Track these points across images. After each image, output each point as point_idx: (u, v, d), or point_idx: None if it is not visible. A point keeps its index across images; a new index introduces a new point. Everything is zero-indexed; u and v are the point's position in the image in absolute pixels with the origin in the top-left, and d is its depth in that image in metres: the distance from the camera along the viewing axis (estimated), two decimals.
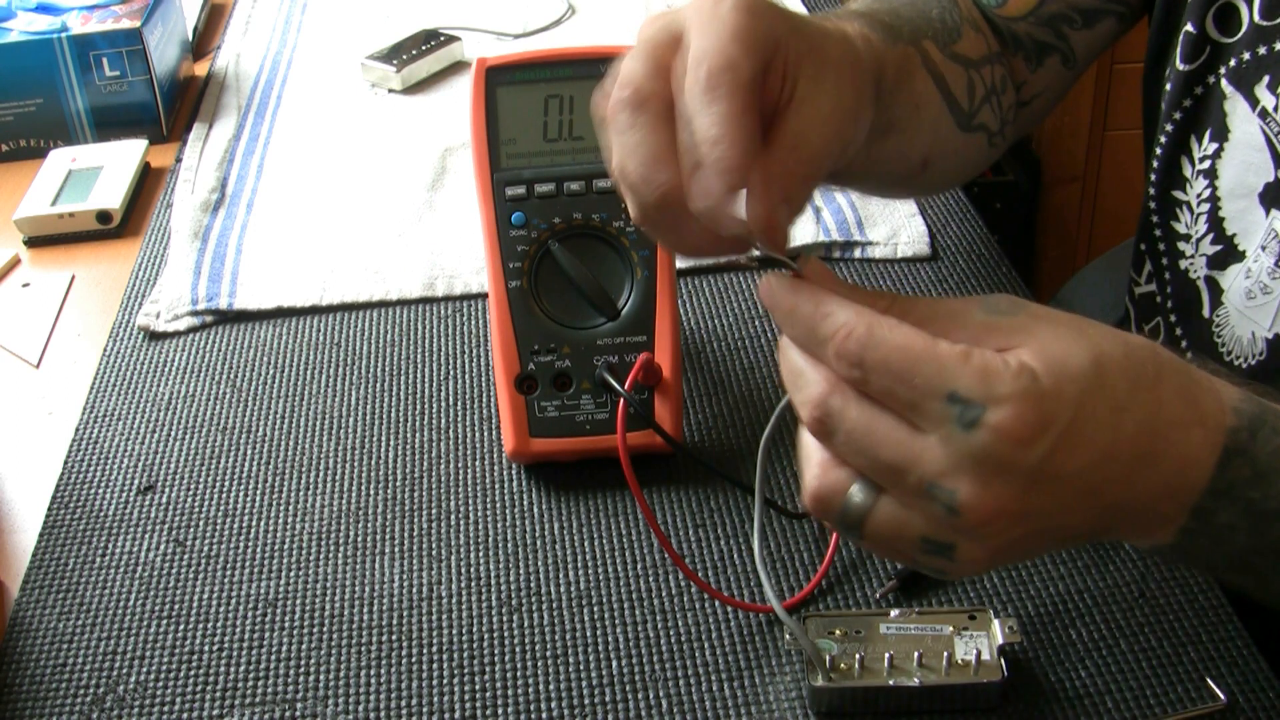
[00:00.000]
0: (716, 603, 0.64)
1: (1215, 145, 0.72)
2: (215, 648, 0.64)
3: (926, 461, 0.46)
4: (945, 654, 0.59)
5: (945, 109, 0.72)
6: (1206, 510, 0.49)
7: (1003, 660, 0.58)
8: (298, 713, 0.60)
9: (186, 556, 0.69)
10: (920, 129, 0.70)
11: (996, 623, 0.60)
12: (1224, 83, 0.71)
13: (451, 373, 0.81)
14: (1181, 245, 0.76)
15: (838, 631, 0.60)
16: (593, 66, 0.73)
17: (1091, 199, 2.05)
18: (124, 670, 0.63)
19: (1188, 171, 0.74)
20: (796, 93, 0.53)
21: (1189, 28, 0.72)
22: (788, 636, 0.59)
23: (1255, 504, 0.49)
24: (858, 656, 0.58)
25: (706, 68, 0.50)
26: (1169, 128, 0.75)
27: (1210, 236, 0.73)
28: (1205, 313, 0.74)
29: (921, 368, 0.45)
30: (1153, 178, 0.77)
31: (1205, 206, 0.73)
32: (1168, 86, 0.75)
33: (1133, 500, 0.48)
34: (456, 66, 1.22)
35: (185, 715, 0.61)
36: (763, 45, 0.51)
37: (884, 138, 0.65)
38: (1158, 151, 0.76)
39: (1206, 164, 0.72)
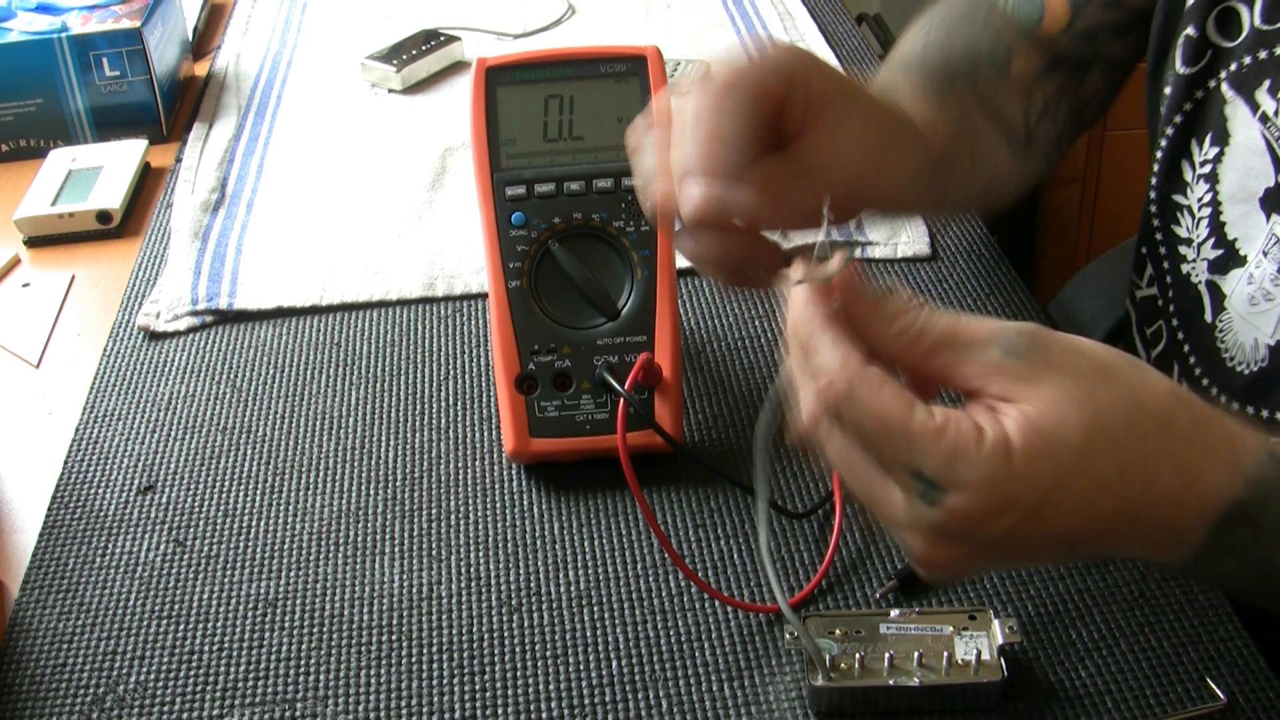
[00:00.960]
0: (716, 602, 0.64)
1: (1216, 149, 0.72)
2: (215, 648, 0.64)
3: (890, 511, 0.48)
4: (945, 654, 0.59)
5: (1003, 140, 0.75)
6: (1205, 558, 0.49)
7: (1003, 660, 0.58)
8: (298, 713, 0.60)
9: (186, 556, 0.69)
10: (980, 168, 0.72)
11: (996, 623, 0.59)
12: (1225, 87, 0.71)
13: (451, 373, 0.81)
14: (1183, 249, 0.76)
15: (838, 631, 0.60)
16: (593, 66, 0.73)
17: (1091, 199, 2.05)
18: (124, 670, 0.63)
19: (1188, 175, 0.74)
20: (817, 124, 0.55)
21: (1190, 31, 0.72)
22: (788, 636, 0.59)
23: (1261, 564, 0.49)
24: (858, 656, 0.58)
25: (711, 85, 0.53)
26: (1169, 131, 0.75)
27: (1211, 241, 0.73)
28: (1208, 317, 0.74)
29: (892, 438, 0.46)
30: (1154, 181, 0.77)
31: (1206, 211, 0.73)
32: (1168, 90, 0.75)
33: (1114, 549, 0.51)
34: (456, 66, 1.22)
35: (185, 715, 0.61)
36: (775, 76, 0.54)
37: (940, 179, 0.67)
38: (1158, 155, 0.76)
39: (1207, 168, 0.72)
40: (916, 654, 0.59)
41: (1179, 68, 0.73)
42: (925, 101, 0.69)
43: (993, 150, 0.74)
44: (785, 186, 0.54)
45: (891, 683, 0.58)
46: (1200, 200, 0.73)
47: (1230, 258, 0.72)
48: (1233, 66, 0.70)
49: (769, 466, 0.56)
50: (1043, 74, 0.77)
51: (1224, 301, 0.72)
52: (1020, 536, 0.47)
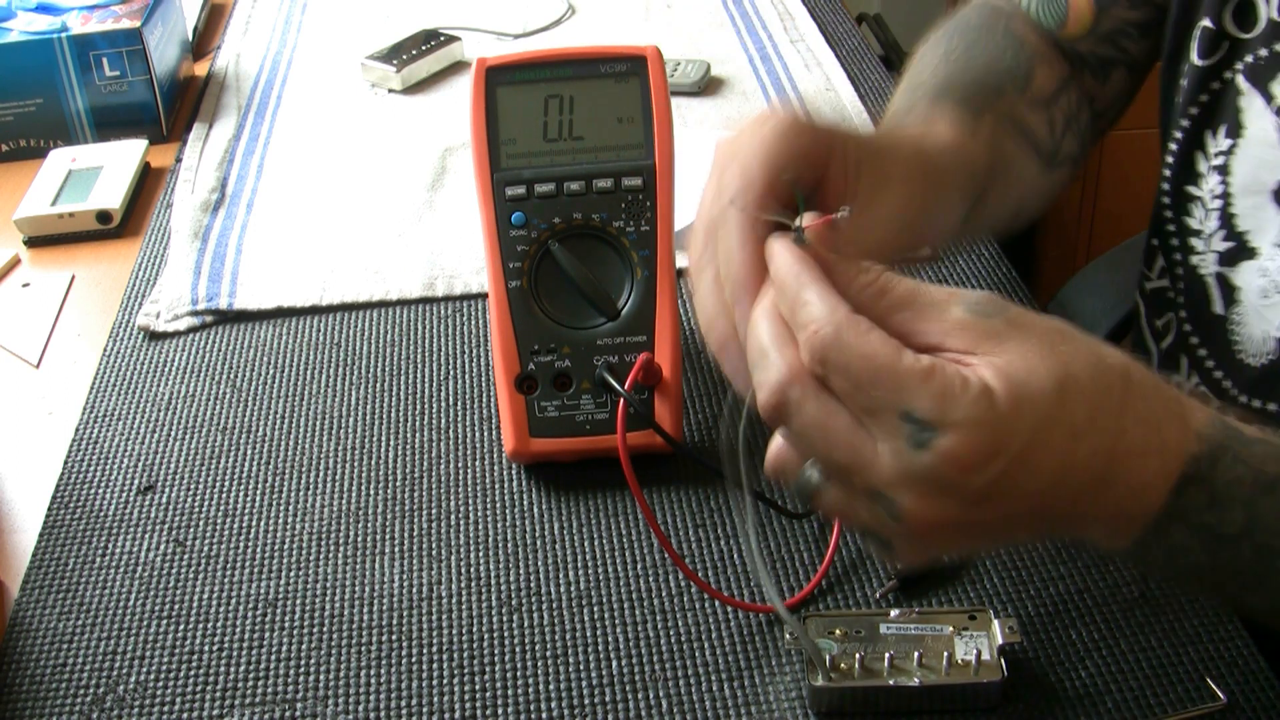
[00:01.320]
0: (716, 602, 0.64)
1: (1230, 141, 0.71)
2: (215, 648, 0.64)
3: (875, 469, 0.47)
4: (945, 654, 0.58)
5: (1033, 157, 0.75)
6: (1160, 528, 0.49)
7: (1003, 660, 0.58)
8: (298, 713, 0.60)
9: (186, 556, 0.69)
10: (1009, 189, 0.73)
11: (996, 623, 0.59)
12: (1240, 79, 0.71)
13: (451, 373, 0.81)
14: (1193, 241, 0.76)
15: (838, 631, 0.60)
16: (593, 66, 0.73)
17: (1091, 199, 2.05)
18: (124, 670, 0.63)
19: (1202, 167, 0.74)
20: (858, 198, 0.56)
21: (1206, 23, 0.72)
22: (788, 636, 0.59)
23: (1210, 528, 0.49)
24: (858, 656, 0.58)
25: (728, 195, 0.54)
26: (1184, 123, 0.75)
27: (1222, 233, 0.73)
28: (1218, 309, 0.73)
29: (882, 380, 0.46)
30: (1166, 173, 0.77)
31: (1218, 203, 0.73)
32: (1184, 82, 0.74)
33: (1080, 517, 0.49)
34: (456, 66, 1.22)
35: (185, 715, 0.61)
36: (794, 149, 0.55)
37: (974, 213, 0.67)
38: (1172, 147, 0.76)
39: (1220, 160, 0.72)
40: (916, 654, 0.59)
41: (1195, 59, 0.73)
42: (962, 130, 0.69)
43: (1023, 170, 0.74)
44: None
45: (891, 683, 0.58)
46: (1212, 192, 0.73)
47: (1240, 250, 0.72)
48: (1249, 58, 0.70)
49: (751, 474, 0.55)
50: (1065, 84, 0.78)
51: (1237, 294, 0.72)
52: (1004, 490, 0.46)
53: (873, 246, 0.56)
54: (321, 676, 0.62)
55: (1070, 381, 0.47)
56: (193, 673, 0.63)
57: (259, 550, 0.69)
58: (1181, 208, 0.76)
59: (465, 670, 0.62)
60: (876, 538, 0.50)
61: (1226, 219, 0.72)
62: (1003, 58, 0.76)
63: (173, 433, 0.78)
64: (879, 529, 0.49)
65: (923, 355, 0.46)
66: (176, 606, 0.66)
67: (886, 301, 0.48)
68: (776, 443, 0.52)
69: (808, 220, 0.54)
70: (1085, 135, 0.80)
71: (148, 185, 1.06)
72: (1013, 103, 0.74)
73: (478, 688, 0.61)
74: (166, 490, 0.73)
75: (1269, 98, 0.69)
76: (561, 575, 0.67)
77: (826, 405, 0.47)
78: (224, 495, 0.73)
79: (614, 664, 0.62)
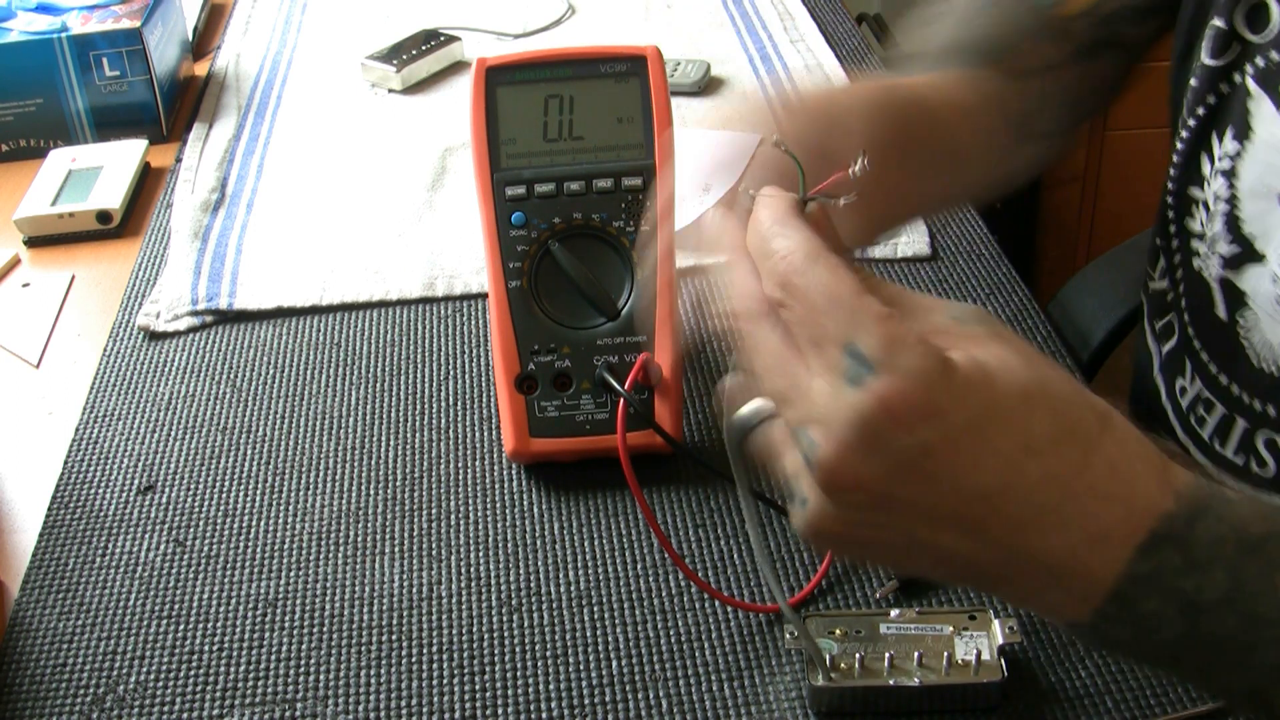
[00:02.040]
0: (716, 602, 0.64)
1: (1237, 145, 0.71)
2: (215, 648, 0.64)
3: (805, 402, 0.44)
4: (945, 654, 0.59)
5: (1014, 133, 0.75)
6: (1128, 596, 0.45)
7: (1003, 660, 0.58)
8: (298, 713, 0.60)
9: (186, 556, 0.69)
10: (976, 166, 0.73)
11: (996, 623, 0.60)
12: (1250, 82, 0.70)
13: (451, 373, 0.81)
14: (1195, 244, 0.75)
15: (838, 631, 0.60)
16: (593, 66, 0.73)
17: (1091, 199, 2.05)
18: (124, 670, 0.63)
19: (1206, 170, 0.74)
20: (877, 168, 0.53)
21: (1218, 22, 0.72)
22: (788, 636, 0.59)
23: (1188, 594, 0.44)
24: (858, 656, 0.58)
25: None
26: (1191, 123, 0.74)
27: (1227, 237, 0.72)
28: (1221, 314, 0.73)
29: (836, 311, 0.43)
30: (1172, 173, 0.77)
31: (1223, 206, 0.72)
32: (1193, 81, 0.74)
33: (1028, 554, 0.45)
34: (456, 66, 1.22)
35: (185, 715, 0.61)
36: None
37: (965, 187, 0.69)
38: (1179, 146, 0.76)
39: (1227, 163, 0.72)
40: (916, 654, 0.59)
41: (1205, 59, 0.73)
42: (964, 90, 0.70)
43: (997, 141, 0.75)
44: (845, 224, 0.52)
45: (891, 683, 0.58)
46: (1217, 195, 0.73)
47: (1246, 255, 0.71)
48: (1259, 61, 0.70)
49: (750, 472, 0.54)
50: (1050, 66, 0.78)
51: (1244, 299, 0.71)
52: (933, 467, 0.43)
53: (886, 217, 0.56)
54: (321, 676, 0.62)
55: (1040, 394, 0.44)
56: (193, 673, 0.63)
57: (259, 550, 0.69)
58: (1184, 209, 0.76)
59: (465, 670, 0.62)
60: (792, 493, 0.47)
61: (1232, 223, 0.72)
62: (994, 34, 0.77)
63: (173, 433, 0.78)
64: (797, 479, 0.46)
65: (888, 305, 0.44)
66: (176, 606, 0.66)
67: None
68: (729, 379, 0.50)
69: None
70: (1069, 115, 0.79)
71: (148, 185, 1.06)
72: (1002, 78, 0.75)
73: (478, 688, 0.61)
74: (166, 490, 0.73)
75: (1279, 102, 0.69)
76: (561, 575, 0.67)
77: (774, 335, 0.46)
78: (224, 495, 0.73)
79: (614, 664, 0.62)
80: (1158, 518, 0.44)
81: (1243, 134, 0.71)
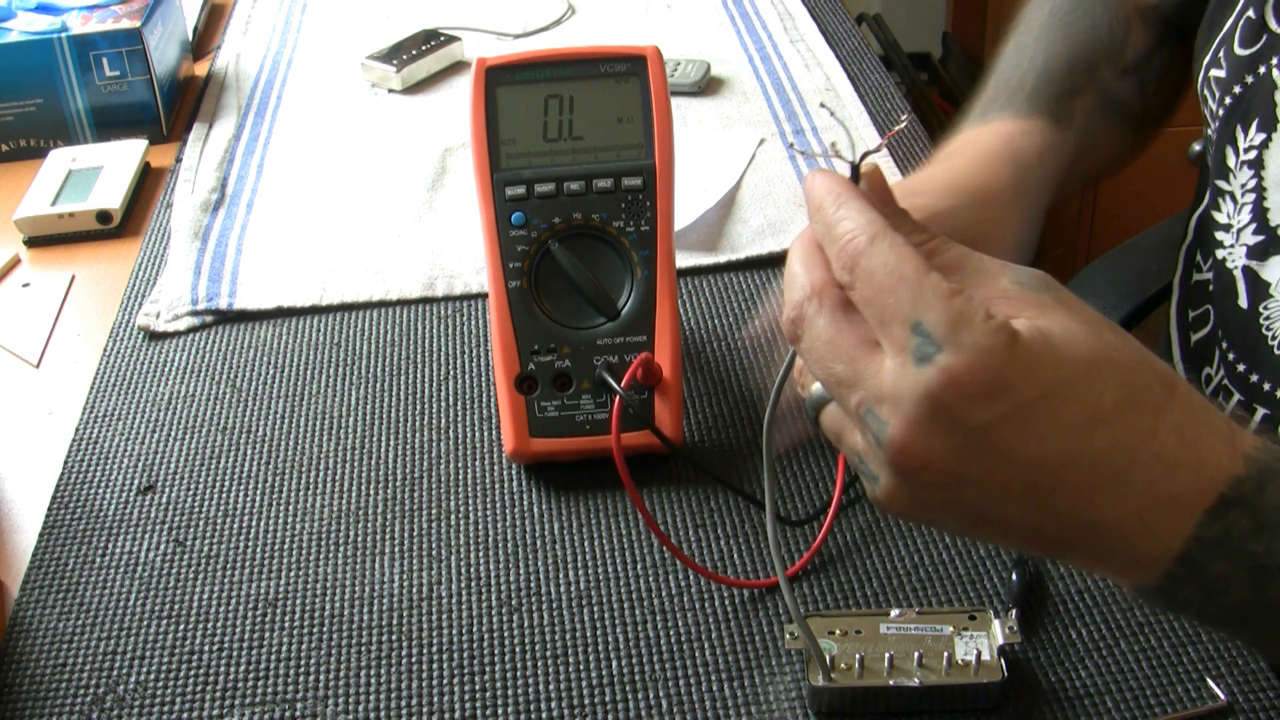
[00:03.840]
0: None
1: (1263, 135, 0.71)
2: (215, 648, 0.64)
3: (872, 384, 0.45)
4: (945, 654, 0.59)
5: (1122, 125, 0.79)
6: (1196, 560, 0.45)
7: (1003, 660, 0.58)
8: (298, 713, 0.60)
9: (186, 556, 0.69)
10: (1091, 160, 0.76)
11: (996, 623, 0.60)
12: (1276, 73, 0.70)
13: (451, 373, 0.81)
14: (1219, 235, 0.75)
15: (838, 631, 0.60)
16: (593, 66, 0.73)
17: (1091, 199, 2.05)
18: (124, 670, 0.63)
19: (1231, 161, 0.74)
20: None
21: (1250, 13, 0.72)
22: (788, 636, 0.59)
23: (1257, 557, 0.45)
24: (858, 656, 0.58)
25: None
26: (1221, 113, 0.75)
27: (1252, 227, 0.72)
28: (1243, 304, 0.73)
29: (901, 289, 0.44)
30: (1209, 163, 0.78)
31: (1250, 197, 0.72)
32: (1218, 73, 0.74)
33: (1095, 522, 0.45)
34: (456, 66, 1.22)
35: (185, 715, 0.61)
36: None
37: (1056, 199, 0.72)
38: (1212, 137, 0.77)
39: (1252, 154, 0.72)
40: (916, 654, 0.59)
41: (1237, 48, 0.73)
42: (1048, 129, 0.73)
43: (1109, 139, 0.78)
44: None
45: (891, 683, 0.58)
46: (1243, 186, 0.73)
47: (1271, 244, 0.71)
48: None
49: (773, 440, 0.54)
50: (1156, 48, 0.81)
51: (1268, 289, 0.71)
52: (1004, 442, 0.43)
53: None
54: (321, 676, 0.62)
55: (1106, 363, 0.44)
56: (193, 673, 0.63)
57: (259, 550, 0.69)
58: (1213, 201, 0.76)
59: (465, 670, 0.62)
60: (864, 469, 0.47)
61: (1259, 213, 0.72)
62: (1100, 29, 0.80)
63: (173, 433, 0.78)
64: (867, 457, 0.47)
65: (952, 281, 0.45)
66: (176, 606, 0.66)
67: (936, 262, 0.47)
68: (800, 362, 0.51)
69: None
70: (1172, 95, 0.83)
71: (148, 185, 1.06)
72: (1105, 76, 0.78)
73: (478, 688, 0.61)
74: (166, 490, 0.73)
75: None
76: (561, 575, 0.67)
77: (838, 321, 0.46)
78: (224, 495, 0.73)
79: (614, 664, 0.62)
80: (1227, 481, 0.45)
81: (1269, 124, 0.70)
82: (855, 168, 0.49)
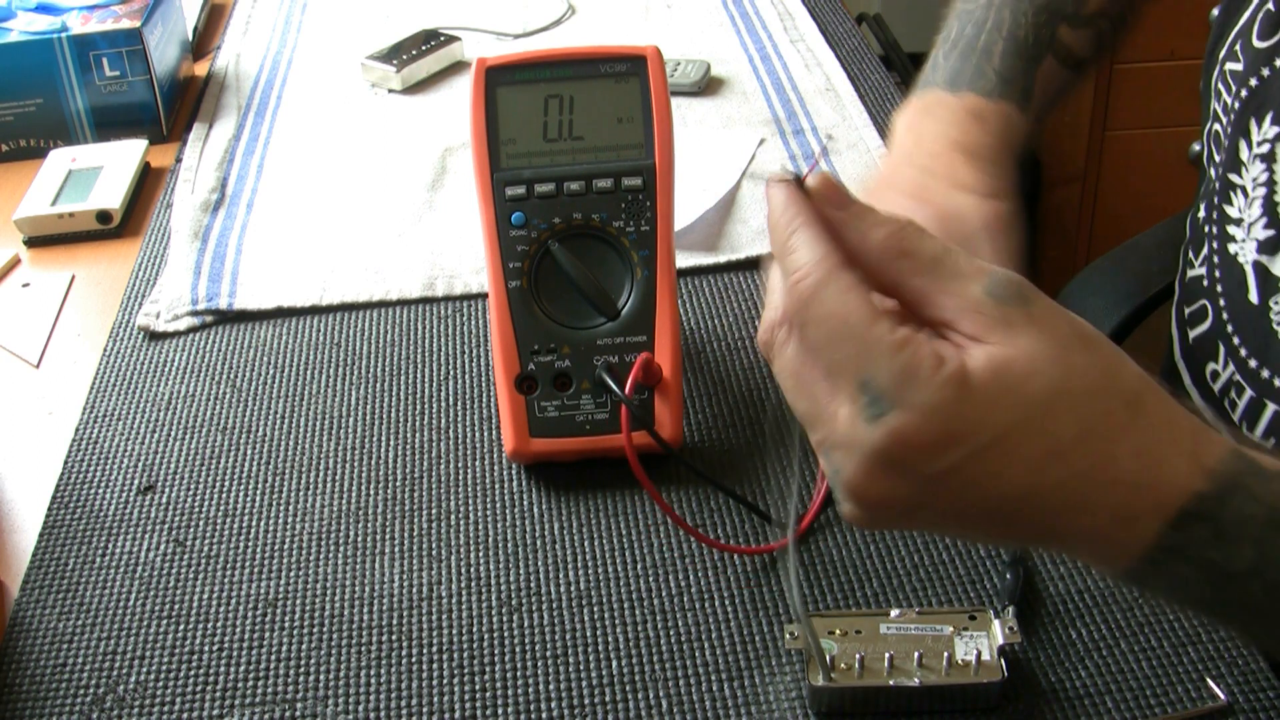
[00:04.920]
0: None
1: (1277, 129, 0.71)
2: (215, 648, 0.64)
3: (830, 427, 0.45)
4: (945, 654, 0.58)
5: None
6: (1157, 562, 0.46)
7: (1003, 660, 0.58)
8: (298, 713, 0.60)
9: (186, 556, 0.69)
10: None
11: (996, 623, 0.60)
12: None
13: (451, 373, 0.81)
14: (1231, 229, 0.75)
15: (838, 631, 0.60)
16: (593, 66, 0.73)
17: (1091, 199, 2.05)
18: (124, 670, 0.63)
19: (1244, 155, 0.74)
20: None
21: (1270, 6, 0.72)
22: (788, 636, 0.59)
23: (1217, 565, 0.46)
24: (858, 656, 0.58)
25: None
26: (1237, 106, 0.74)
27: (1264, 221, 0.72)
28: (1253, 298, 0.73)
29: (848, 344, 0.44)
30: (1217, 158, 0.77)
31: (1261, 191, 0.72)
32: (1234, 65, 0.74)
33: (1058, 535, 0.46)
34: (456, 66, 1.22)
35: (185, 715, 0.61)
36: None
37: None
38: (1220, 131, 0.77)
39: (1265, 148, 0.71)
40: (916, 654, 0.59)
41: (1255, 41, 0.72)
42: (1014, 114, 0.75)
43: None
44: None
45: (891, 683, 0.58)
46: (1255, 180, 0.73)
47: None
48: None
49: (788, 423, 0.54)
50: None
51: (1277, 284, 0.71)
52: (959, 484, 0.44)
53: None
54: (321, 676, 0.62)
55: (1065, 395, 0.44)
56: (193, 673, 0.63)
57: (259, 550, 0.69)
58: (1225, 195, 0.76)
59: (465, 670, 0.62)
60: (832, 487, 0.48)
61: (1270, 207, 0.71)
62: None
63: (173, 433, 0.78)
64: (831, 481, 0.47)
65: (901, 328, 0.44)
66: (176, 606, 0.66)
67: (907, 264, 0.46)
68: None
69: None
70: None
71: (148, 185, 1.06)
72: (1063, 35, 0.79)
73: (478, 688, 0.61)
74: (166, 490, 0.73)
75: None
76: (561, 575, 0.67)
77: (802, 354, 0.46)
78: (224, 495, 0.73)
79: (614, 664, 0.62)
80: (1189, 497, 0.45)
81: None
82: (800, 180, 0.48)
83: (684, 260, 0.90)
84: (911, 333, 0.44)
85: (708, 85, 1.15)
